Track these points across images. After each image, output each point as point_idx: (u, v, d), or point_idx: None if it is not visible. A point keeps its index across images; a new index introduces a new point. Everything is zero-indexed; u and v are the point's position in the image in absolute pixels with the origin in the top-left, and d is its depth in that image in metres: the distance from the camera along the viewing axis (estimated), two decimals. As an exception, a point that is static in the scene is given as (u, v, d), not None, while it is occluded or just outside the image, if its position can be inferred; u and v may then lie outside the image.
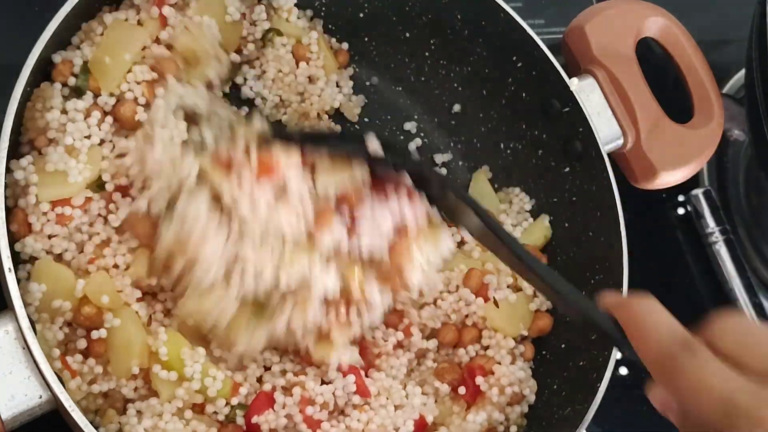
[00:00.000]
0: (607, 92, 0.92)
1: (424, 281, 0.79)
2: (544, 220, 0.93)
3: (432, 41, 0.95)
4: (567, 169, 0.92)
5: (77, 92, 0.76)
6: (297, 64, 0.90)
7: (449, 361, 0.86)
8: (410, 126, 0.97)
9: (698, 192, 1.06)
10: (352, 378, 0.78)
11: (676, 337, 0.53)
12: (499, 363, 0.84)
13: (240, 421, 0.75)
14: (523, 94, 0.93)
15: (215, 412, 0.75)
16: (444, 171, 0.96)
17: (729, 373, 0.50)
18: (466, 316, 0.85)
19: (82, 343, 0.72)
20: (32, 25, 0.75)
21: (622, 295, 0.60)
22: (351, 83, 0.95)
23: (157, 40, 0.79)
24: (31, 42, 0.72)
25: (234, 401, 0.75)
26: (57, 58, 0.76)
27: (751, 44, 0.91)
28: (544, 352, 0.89)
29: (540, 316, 0.88)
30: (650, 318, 0.55)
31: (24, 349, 0.67)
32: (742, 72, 1.09)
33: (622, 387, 0.97)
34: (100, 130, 0.76)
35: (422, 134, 0.97)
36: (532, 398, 0.85)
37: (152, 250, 0.74)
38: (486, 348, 0.86)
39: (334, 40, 0.95)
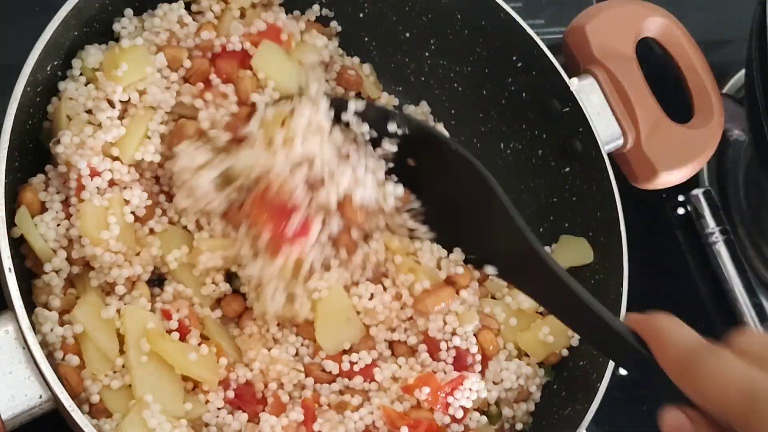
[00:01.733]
0: (607, 92, 0.92)
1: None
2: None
3: (432, 41, 0.95)
4: (567, 169, 0.92)
5: None
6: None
7: None
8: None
9: (698, 192, 1.07)
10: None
11: (698, 342, 0.57)
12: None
13: None
14: (523, 94, 0.93)
15: None
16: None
17: (749, 368, 0.54)
18: None
19: None
20: (32, 25, 0.75)
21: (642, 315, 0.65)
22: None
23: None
24: (31, 42, 0.72)
25: None
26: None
27: (751, 44, 0.91)
28: (544, 352, 0.89)
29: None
30: (670, 327, 0.60)
31: (24, 349, 0.67)
32: (742, 72, 1.09)
33: (622, 387, 0.97)
34: None
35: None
36: (538, 395, 0.85)
37: None
38: None
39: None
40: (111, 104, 0.78)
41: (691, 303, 1.04)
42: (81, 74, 0.79)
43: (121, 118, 0.78)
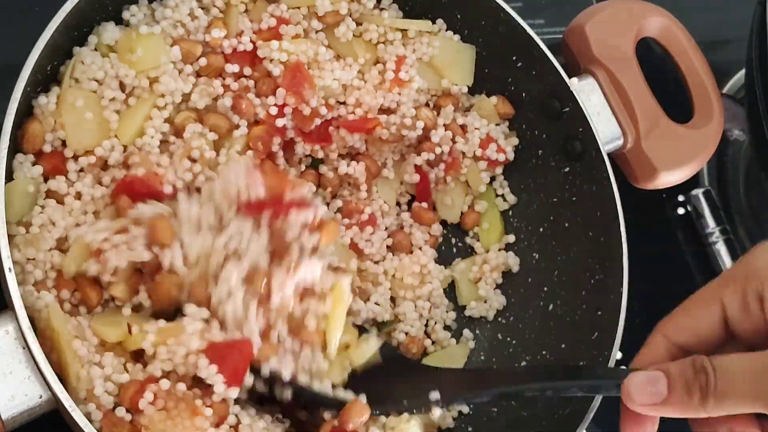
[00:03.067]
0: (607, 92, 0.92)
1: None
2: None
3: (432, 41, 0.95)
4: (567, 169, 0.92)
5: None
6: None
7: None
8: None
9: (698, 192, 1.07)
10: None
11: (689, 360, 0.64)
12: None
13: None
14: (523, 94, 0.93)
15: None
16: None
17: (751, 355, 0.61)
18: None
19: None
20: (32, 25, 0.75)
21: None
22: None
23: None
24: (31, 42, 0.72)
25: None
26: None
27: (751, 44, 0.91)
28: (544, 352, 0.89)
29: None
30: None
31: (24, 349, 0.67)
32: (742, 72, 1.09)
33: (622, 387, 0.97)
34: None
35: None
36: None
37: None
38: None
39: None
40: (122, 87, 0.78)
41: (691, 303, 1.04)
42: (95, 49, 0.79)
43: (128, 95, 0.79)
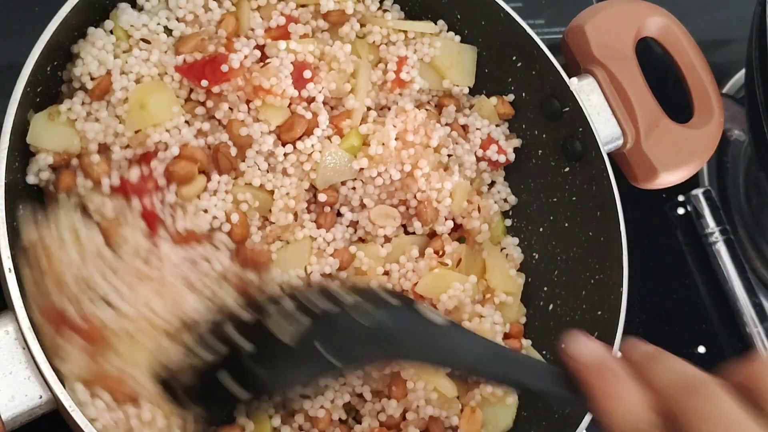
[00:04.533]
0: (607, 92, 0.92)
1: None
2: None
3: (432, 41, 0.95)
4: (567, 169, 0.92)
5: None
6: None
7: None
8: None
9: (698, 192, 1.07)
10: None
11: (687, 377, 0.52)
12: None
13: None
14: (523, 94, 0.93)
15: None
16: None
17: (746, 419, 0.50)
18: None
19: None
20: (32, 25, 0.75)
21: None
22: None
23: None
24: (31, 42, 0.72)
25: None
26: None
27: (751, 44, 0.91)
28: (544, 352, 0.89)
29: None
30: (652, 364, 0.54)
31: (24, 349, 0.67)
32: (742, 72, 1.09)
33: (622, 387, 0.97)
34: None
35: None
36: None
37: None
38: None
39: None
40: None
41: (691, 303, 1.04)
42: (111, 32, 0.79)
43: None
